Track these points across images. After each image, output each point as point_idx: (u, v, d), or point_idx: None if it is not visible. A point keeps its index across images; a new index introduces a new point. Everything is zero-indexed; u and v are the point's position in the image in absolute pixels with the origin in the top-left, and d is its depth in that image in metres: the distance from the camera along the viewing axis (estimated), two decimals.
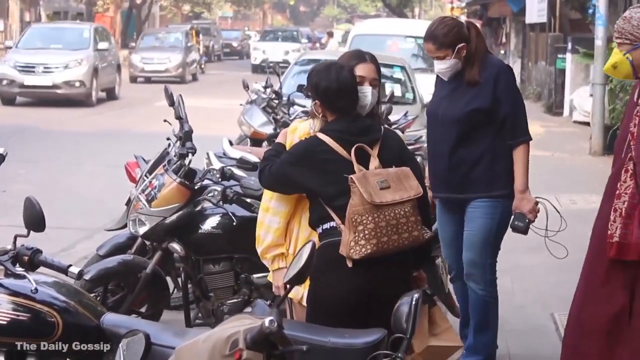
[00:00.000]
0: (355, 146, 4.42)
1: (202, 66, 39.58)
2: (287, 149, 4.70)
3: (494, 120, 5.63)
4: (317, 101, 4.56)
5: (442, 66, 5.66)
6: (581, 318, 4.99)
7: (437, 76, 5.86)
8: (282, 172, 4.56)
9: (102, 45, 25.76)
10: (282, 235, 4.69)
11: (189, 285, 6.36)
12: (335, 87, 4.49)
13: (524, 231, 5.62)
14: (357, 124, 4.53)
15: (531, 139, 5.77)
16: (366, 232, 4.31)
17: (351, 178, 4.34)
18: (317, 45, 53.66)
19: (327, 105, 4.54)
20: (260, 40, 48.83)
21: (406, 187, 4.42)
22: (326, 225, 4.48)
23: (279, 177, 4.58)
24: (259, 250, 4.77)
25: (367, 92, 4.61)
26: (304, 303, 4.60)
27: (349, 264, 4.32)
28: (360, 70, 4.65)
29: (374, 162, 4.44)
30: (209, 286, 6.25)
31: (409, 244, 4.43)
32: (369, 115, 4.66)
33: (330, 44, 37.13)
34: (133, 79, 33.97)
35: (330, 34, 41.82)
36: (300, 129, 4.73)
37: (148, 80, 33.85)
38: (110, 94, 26.31)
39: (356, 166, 4.39)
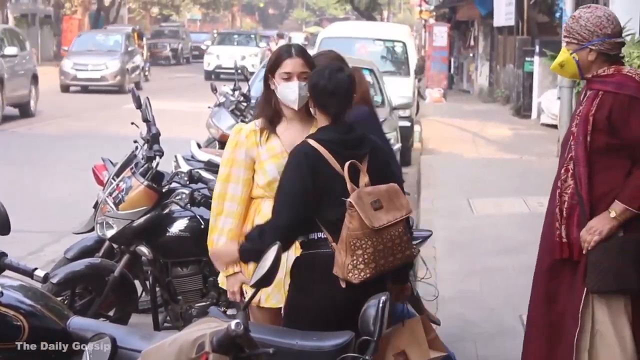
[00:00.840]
0: (348, 163, 4.30)
1: (147, 73, 35.59)
2: (232, 149, 4.63)
3: None
4: (311, 101, 4.48)
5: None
6: (529, 319, 5.04)
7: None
8: (293, 191, 4.31)
9: (10, 50, 21.57)
10: (235, 237, 4.60)
11: (157, 289, 6.34)
12: (329, 89, 4.38)
13: None
14: (351, 135, 4.42)
15: None
16: (365, 256, 4.22)
17: (350, 202, 4.22)
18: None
19: (320, 107, 4.44)
20: (214, 44, 43.81)
21: (397, 206, 4.33)
22: (312, 236, 4.37)
23: (294, 202, 4.29)
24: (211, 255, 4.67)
25: (293, 87, 4.53)
26: (263, 305, 4.55)
27: (343, 285, 4.23)
28: (287, 66, 4.58)
29: (364, 179, 4.33)
30: (177, 289, 6.24)
31: (402, 263, 4.39)
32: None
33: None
34: (64, 88, 30.14)
35: (281, 36, 41.09)
36: (245, 128, 4.68)
37: (85, 90, 30.24)
38: (24, 110, 22.07)
39: (349, 185, 4.27)
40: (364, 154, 4.39)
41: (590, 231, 4.62)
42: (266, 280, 3.23)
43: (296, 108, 4.57)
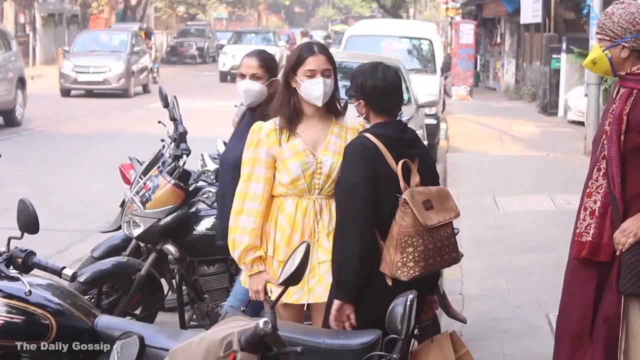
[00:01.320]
0: (402, 160, 4.34)
1: (155, 75, 32.50)
2: (253, 147, 4.61)
3: None
4: (361, 101, 4.49)
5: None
6: (559, 320, 4.99)
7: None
8: (362, 186, 4.34)
9: None
10: (258, 236, 4.58)
11: (184, 287, 6.35)
12: (382, 86, 4.43)
13: None
14: (406, 135, 4.48)
15: None
16: (416, 254, 4.25)
17: (404, 199, 4.27)
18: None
19: (372, 106, 4.46)
20: (230, 43, 41.23)
21: (447, 207, 4.40)
22: None
23: (364, 196, 4.33)
24: (235, 255, 4.63)
25: (317, 84, 4.54)
26: (284, 302, 4.52)
27: (389, 282, 4.27)
28: (310, 63, 4.58)
29: (415, 179, 4.38)
30: (203, 288, 6.24)
31: (448, 265, 4.48)
32: (331, 106, 4.61)
33: None
34: (65, 92, 27.64)
35: (305, 34, 40.50)
36: (265, 127, 4.65)
37: (90, 94, 27.91)
38: (9, 118, 19.72)
39: (402, 182, 4.32)
40: (418, 154, 4.45)
41: (624, 233, 4.52)
42: (295, 278, 3.23)
43: (320, 104, 4.58)
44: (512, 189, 12.71)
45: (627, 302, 4.61)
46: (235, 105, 12.64)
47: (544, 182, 13.20)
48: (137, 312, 6.26)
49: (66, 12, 49.42)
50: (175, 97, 6.60)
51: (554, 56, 23.48)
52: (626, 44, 4.62)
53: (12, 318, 3.77)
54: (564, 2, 24.44)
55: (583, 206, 4.70)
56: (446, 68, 18.41)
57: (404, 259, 4.25)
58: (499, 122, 21.25)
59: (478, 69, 35.59)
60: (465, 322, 6.44)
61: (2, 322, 3.76)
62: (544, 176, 13.76)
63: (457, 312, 6.39)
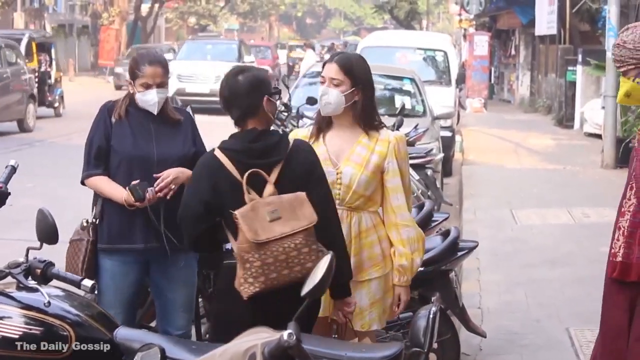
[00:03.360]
0: (248, 172, 4.14)
1: (57, 104, 25.78)
2: None
3: None
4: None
5: None
6: (597, 340, 4.93)
7: None
8: (189, 198, 4.28)
9: None
10: None
11: (200, 299, 6.29)
12: (225, 97, 4.31)
13: None
14: (259, 144, 4.26)
15: None
16: (253, 270, 4.06)
17: (235, 214, 4.07)
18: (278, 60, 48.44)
19: (229, 114, 4.37)
20: (178, 57, 30.73)
21: (299, 216, 4.12)
22: (228, 246, 4.34)
23: (189, 207, 4.26)
24: None
25: (324, 92, 4.56)
26: (374, 328, 4.57)
27: (245, 297, 4.10)
28: (324, 70, 4.65)
29: (269, 189, 4.16)
30: None
31: (303, 276, 3.97)
32: (362, 117, 4.57)
33: (307, 57, 33.53)
34: None
35: (308, 45, 39.15)
36: (299, 134, 4.69)
37: None
38: (21, 126, 21.46)
39: (247, 196, 4.11)
40: (275, 162, 4.22)
41: None
42: (318, 290, 3.19)
43: (326, 113, 4.60)
44: (529, 202, 12.63)
45: None
46: None
47: (561, 195, 13.12)
48: (153, 324, 6.20)
49: (76, 22, 49.71)
50: (191, 106, 6.58)
51: (569, 68, 23.40)
52: None
53: (30, 330, 3.73)
54: (579, 13, 24.37)
55: (617, 225, 4.67)
56: (461, 80, 18.34)
57: (245, 275, 4.07)
58: (515, 135, 21.17)
59: (492, 81, 35.54)
60: (485, 336, 6.39)
61: (21, 333, 3.72)
62: (561, 189, 13.68)
63: (476, 326, 6.35)
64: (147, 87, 5.13)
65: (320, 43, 59.09)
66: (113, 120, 5.23)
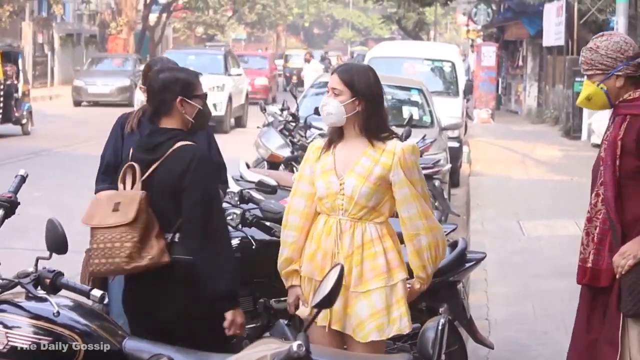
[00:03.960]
0: (126, 165, 4.51)
1: (24, 120, 22.92)
2: (303, 164, 4.80)
3: None
4: None
5: None
6: (570, 345, 5.01)
7: None
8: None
9: None
10: (296, 250, 4.66)
11: None
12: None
13: None
14: (150, 139, 4.56)
15: None
16: (91, 252, 4.47)
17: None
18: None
19: None
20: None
21: (123, 212, 4.38)
22: None
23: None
24: (278, 267, 4.77)
25: (324, 102, 4.63)
26: (320, 324, 4.52)
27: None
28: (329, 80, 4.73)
29: (129, 182, 4.50)
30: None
31: (107, 270, 4.45)
32: (368, 128, 4.60)
33: (307, 70, 32.94)
34: None
35: (310, 56, 36.04)
36: (314, 144, 4.81)
37: None
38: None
39: (119, 184, 4.53)
40: (153, 160, 4.46)
41: (623, 255, 4.59)
42: (328, 301, 3.18)
43: (328, 123, 4.70)
44: (536, 214, 12.61)
45: (628, 324, 4.63)
46: (258, 127, 12.71)
47: (569, 206, 13.08)
48: None
49: (84, 32, 49.73)
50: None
51: (577, 79, 23.34)
52: (620, 73, 4.71)
53: (39, 339, 3.73)
54: (587, 24, 24.37)
55: (585, 232, 4.80)
56: (468, 91, 18.33)
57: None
58: (522, 146, 21.15)
59: (500, 91, 35.52)
60: (492, 348, 6.38)
61: (30, 343, 3.72)
62: (569, 201, 13.63)
63: (484, 338, 6.33)
64: None
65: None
66: (126, 132, 5.24)
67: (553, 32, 26.51)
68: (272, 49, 72.22)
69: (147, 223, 4.36)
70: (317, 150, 4.71)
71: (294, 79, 41.68)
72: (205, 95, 4.69)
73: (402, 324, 4.60)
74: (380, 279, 4.54)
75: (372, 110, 4.61)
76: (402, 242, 4.74)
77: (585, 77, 4.85)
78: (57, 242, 3.92)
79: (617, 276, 4.61)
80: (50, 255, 3.92)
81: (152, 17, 52.11)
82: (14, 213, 4.31)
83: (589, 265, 4.74)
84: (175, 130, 4.49)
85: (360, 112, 4.59)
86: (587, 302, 4.84)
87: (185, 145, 4.44)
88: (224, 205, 6.31)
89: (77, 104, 33.36)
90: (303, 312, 4.64)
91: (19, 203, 4.33)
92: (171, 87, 4.51)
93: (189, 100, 4.52)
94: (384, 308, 4.55)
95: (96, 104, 33.30)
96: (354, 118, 4.60)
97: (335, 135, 4.68)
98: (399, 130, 10.68)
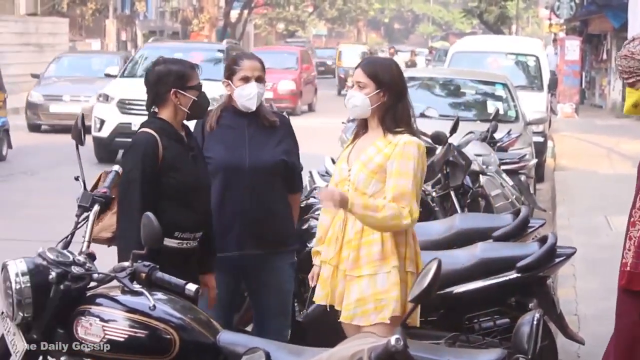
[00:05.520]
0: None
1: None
2: None
3: None
4: None
5: None
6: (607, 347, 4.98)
7: None
8: None
9: None
10: (325, 232, 4.87)
11: (296, 304, 6.31)
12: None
13: None
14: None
15: None
16: None
17: None
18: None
19: None
20: (123, 73, 19.33)
21: None
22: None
23: None
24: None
25: (350, 95, 4.76)
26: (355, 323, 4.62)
27: None
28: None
29: None
30: None
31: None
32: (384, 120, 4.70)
33: None
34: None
35: (393, 51, 35.80)
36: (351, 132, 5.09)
37: None
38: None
39: None
40: None
41: None
42: (425, 295, 3.17)
43: (350, 116, 4.86)
44: (623, 208, 12.31)
45: None
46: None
47: None
48: (249, 329, 6.24)
49: (167, 29, 50.27)
50: (286, 114, 6.60)
51: None
52: None
53: (135, 333, 3.79)
54: None
55: (628, 235, 4.74)
56: (553, 85, 18.09)
57: None
58: (607, 140, 20.82)
59: (584, 85, 35.03)
60: (583, 343, 6.29)
61: (126, 336, 3.78)
62: None
63: (574, 333, 6.26)
64: (247, 80, 5.19)
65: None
66: (206, 131, 5.27)
67: (638, 24, 26.04)
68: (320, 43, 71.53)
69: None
70: (348, 141, 4.92)
71: (350, 81, 38.29)
72: (200, 86, 4.81)
73: (385, 312, 4.58)
74: (371, 266, 4.61)
75: (393, 103, 4.69)
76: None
77: (627, 85, 4.81)
78: (152, 237, 3.97)
79: None
80: (147, 250, 3.97)
81: (234, 14, 52.41)
82: (108, 209, 4.38)
83: (628, 269, 4.69)
84: (151, 119, 4.79)
85: (383, 104, 4.69)
86: (623, 305, 4.85)
87: (137, 136, 4.76)
88: (312, 201, 6.35)
89: (34, 128, 22.64)
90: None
91: (113, 198, 4.40)
92: (165, 79, 4.71)
93: (182, 92, 4.71)
94: (371, 294, 4.60)
95: None
96: (377, 110, 4.70)
97: (361, 127, 4.80)
98: (485, 125, 10.61)
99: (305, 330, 5.81)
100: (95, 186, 4.83)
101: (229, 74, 5.27)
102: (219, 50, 20.15)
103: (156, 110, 4.79)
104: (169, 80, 4.72)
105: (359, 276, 4.63)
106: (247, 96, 5.21)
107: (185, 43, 28.84)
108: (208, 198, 4.96)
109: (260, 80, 5.27)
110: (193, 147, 4.88)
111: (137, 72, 18.42)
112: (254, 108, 5.26)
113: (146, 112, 4.90)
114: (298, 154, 5.54)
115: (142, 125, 4.79)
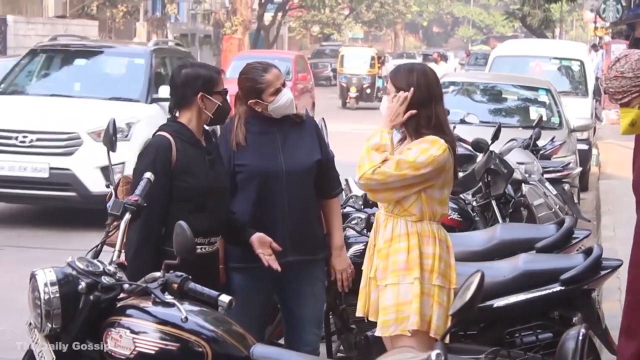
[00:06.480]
0: None
1: None
2: None
3: None
4: None
5: None
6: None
7: None
8: None
9: None
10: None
11: (331, 317, 6.19)
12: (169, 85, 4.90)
13: None
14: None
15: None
16: None
17: None
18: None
19: None
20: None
21: None
22: None
23: None
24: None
25: (382, 102, 4.83)
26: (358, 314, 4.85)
27: None
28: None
29: None
30: (350, 317, 6.04)
31: None
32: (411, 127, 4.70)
33: (441, 68, 29.34)
34: None
35: (439, 57, 33.34)
36: None
37: None
38: None
39: None
40: None
41: None
42: (467, 310, 3.06)
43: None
44: None
45: None
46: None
47: None
48: (281, 341, 6.12)
49: (199, 32, 50.21)
50: (323, 119, 6.52)
51: None
52: None
53: (166, 345, 3.72)
54: None
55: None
56: (598, 91, 17.83)
57: None
58: None
59: None
60: None
61: (157, 349, 3.70)
62: None
63: None
64: (277, 92, 5.06)
65: (421, 52, 57.05)
66: (234, 146, 5.11)
67: None
68: (391, 49, 71.40)
69: None
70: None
71: (353, 91, 34.60)
72: (225, 92, 4.82)
73: (406, 324, 4.57)
74: (396, 275, 4.62)
75: (417, 109, 4.66)
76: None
77: (620, 105, 4.84)
78: (185, 246, 3.89)
79: None
80: (179, 260, 3.89)
81: (267, 16, 52.10)
82: (139, 217, 4.29)
83: None
84: (169, 122, 4.81)
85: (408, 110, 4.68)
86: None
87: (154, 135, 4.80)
88: (348, 209, 6.24)
89: None
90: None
91: (144, 206, 4.31)
92: (192, 83, 4.72)
93: (209, 97, 4.73)
94: (393, 304, 4.60)
95: None
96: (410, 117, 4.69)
97: (405, 135, 4.81)
98: (527, 132, 10.43)
99: (371, 344, 5.68)
100: (115, 191, 4.76)
101: (256, 94, 5.09)
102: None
103: (177, 113, 4.81)
104: (196, 84, 4.73)
105: (385, 285, 4.65)
106: (284, 105, 5.12)
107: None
108: (225, 202, 4.91)
109: (284, 84, 5.19)
110: (211, 152, 4.84)
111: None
112: (295, 110, 5.22)
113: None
114: (329, 152, 5.47)
115: (159, 128, 4.80)
